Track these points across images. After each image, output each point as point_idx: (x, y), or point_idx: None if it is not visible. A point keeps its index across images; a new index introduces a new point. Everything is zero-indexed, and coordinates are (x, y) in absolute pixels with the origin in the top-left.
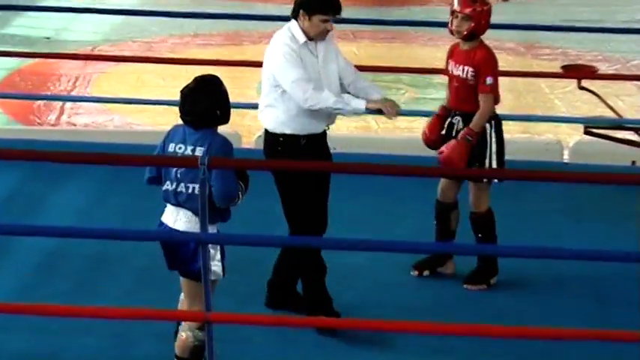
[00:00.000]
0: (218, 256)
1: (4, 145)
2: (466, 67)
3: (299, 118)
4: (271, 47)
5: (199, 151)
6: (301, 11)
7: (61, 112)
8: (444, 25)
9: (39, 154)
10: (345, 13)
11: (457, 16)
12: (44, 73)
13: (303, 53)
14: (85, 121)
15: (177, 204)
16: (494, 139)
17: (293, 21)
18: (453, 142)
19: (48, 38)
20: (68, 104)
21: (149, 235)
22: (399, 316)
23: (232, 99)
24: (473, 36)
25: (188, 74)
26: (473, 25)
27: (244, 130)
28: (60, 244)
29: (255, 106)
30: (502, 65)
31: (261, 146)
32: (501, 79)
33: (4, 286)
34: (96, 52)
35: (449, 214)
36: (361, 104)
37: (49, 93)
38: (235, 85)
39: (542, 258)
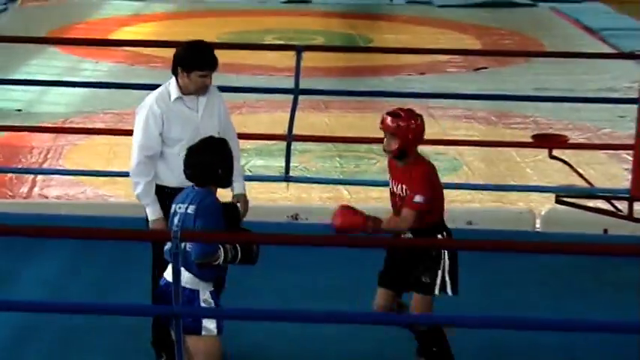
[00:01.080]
0: None
1: None
2: (404, 186)
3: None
4: (140, 106)
5: (191, 209)
6: (179, 68)
7: (33, 185)
8: (415, 95)
9: (8, 229)
10: (317, 84)
11: (385, 135)
12: (15, 146)
13: (177, 109)
14: (57, 194)
15: None
16: (447, 254)
17: (173, 77)
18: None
19: (19, 110)
20: (40, 177)
21: (122, 309)
22: None
23: None
24: (403, 154)
25: None
26: (399, 142)
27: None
28: (31, 318)
29: None
30: (474, 135)
31: None
32: (474, 149)
33: None
34: (67, 125)
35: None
36: (153, 215)
37: (20, 166)
38: None
39: (515, 329)
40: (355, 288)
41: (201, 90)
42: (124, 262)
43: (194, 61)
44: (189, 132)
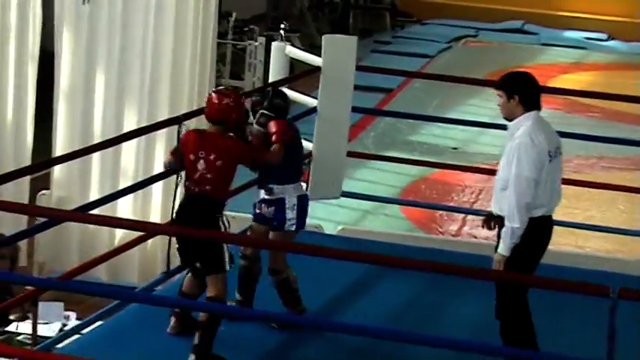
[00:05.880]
0: None
1: (405, 252)
2: None
3: None
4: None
5: None
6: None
7: (463, 224)
8: None
9: (438, 266)
10: None
11: None
12: (449, 183)
13: None
14: (486, 234)
15: None
16: None
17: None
18: None
19: (455, 149)
20: (470, 216)
21: None
22: None
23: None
24: None
25: (591, 195)
26: None
27: None
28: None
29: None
30: None
31: None
32: None
33: None
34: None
35: None
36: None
37: (452, 204)
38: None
39: None
40: None
41: None
42: (551, 310)
43: None
44: None
